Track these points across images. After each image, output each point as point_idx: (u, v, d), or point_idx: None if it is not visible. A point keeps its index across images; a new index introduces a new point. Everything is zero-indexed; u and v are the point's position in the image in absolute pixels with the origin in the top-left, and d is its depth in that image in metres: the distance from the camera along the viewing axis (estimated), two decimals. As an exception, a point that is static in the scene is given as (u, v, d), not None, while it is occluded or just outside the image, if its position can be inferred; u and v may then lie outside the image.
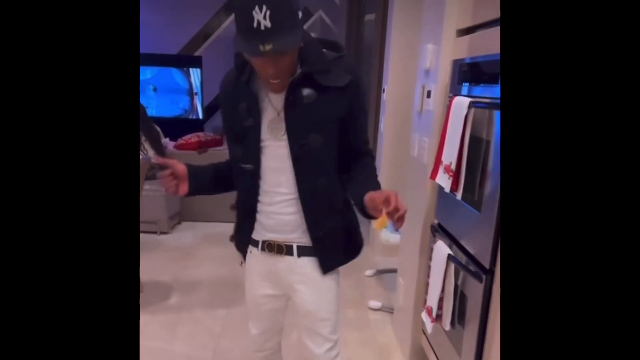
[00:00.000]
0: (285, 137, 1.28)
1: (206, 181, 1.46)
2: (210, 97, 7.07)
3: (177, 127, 5.71)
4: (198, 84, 6.74)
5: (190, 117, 6.71)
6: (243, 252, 1.50)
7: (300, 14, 1.16)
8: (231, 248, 1.56)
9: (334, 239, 1.39)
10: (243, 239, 1.47)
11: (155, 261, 3.62)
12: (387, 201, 1.15)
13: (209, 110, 6.86)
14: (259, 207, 1.38)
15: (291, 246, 1.38)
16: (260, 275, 1.46)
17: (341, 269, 1.46)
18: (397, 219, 1.15)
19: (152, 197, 4.03)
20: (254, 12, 1.06)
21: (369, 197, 1.23)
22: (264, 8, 1.06)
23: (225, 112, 1.40)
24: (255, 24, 1.07)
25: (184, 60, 6.84)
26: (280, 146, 1.29)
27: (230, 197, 1.48)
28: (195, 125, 6.37)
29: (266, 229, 1.39)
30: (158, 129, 4.38)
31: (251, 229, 1.42)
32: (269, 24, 1.07)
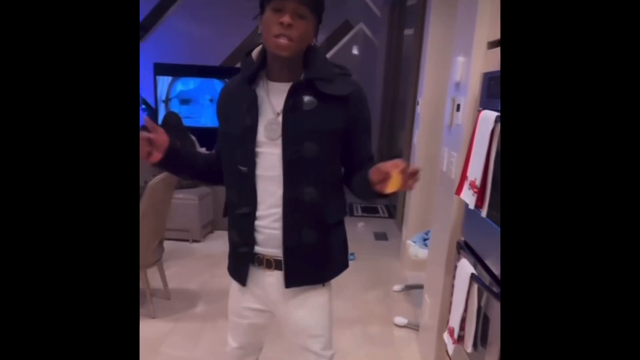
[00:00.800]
0: (280, 141, 1.27)
1: (185, 164, 1.42)
2: (250, 108, 7.17)
3: (215, 136, 5.80)
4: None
5: (229, 127, 6.81)
6: (244, 267, 1.40)
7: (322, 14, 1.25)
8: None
9: (306, 255, 1.34)
10: (244, 252, 1.37)
11: (185, 269, 3.66)
12: (394, 165, 1.12)
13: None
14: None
15: (280, 261, 1.35)
16: (248, 288, 1.43)
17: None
18: (410, 175, 1.12)
19: (185, 205, 4.09)
20: None
21: (373, 169, 1.18)
22: None
23: (224, 114, 1.38)
24: None
25: (226, 72, 6.96)
26: (274, 153, 1.28)
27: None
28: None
29: (257, 242, 1.35)
30: (193, 138, 4.45)
31: (245, 240, 1.35)
32: None
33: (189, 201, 4.12)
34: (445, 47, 3.23)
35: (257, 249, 1.36)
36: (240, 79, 1.34)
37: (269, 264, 1.36)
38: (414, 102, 4.04)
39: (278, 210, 1.31)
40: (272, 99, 1.29)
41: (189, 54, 6.92)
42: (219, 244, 4.30)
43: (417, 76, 3.99)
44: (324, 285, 1.41)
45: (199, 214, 4.21)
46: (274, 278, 1.37)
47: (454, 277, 1.95)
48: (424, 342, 2.57)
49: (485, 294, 1.68)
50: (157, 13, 7.05)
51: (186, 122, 4.75)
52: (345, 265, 1.46)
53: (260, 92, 1.31)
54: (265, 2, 1.21)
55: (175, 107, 6.77)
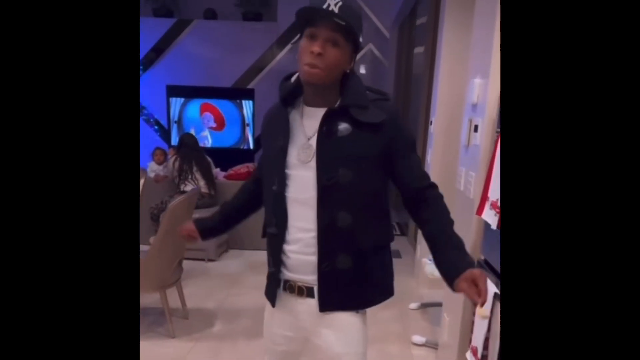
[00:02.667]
0: (312, 164, 1.27)
1: (218, 227, 1.61)
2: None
3: (229, 157, 5.89)
4: (250, 115, 6.93)
5: (241, 147, 6.89)
6: (274, 288, 1.40)
7: (361, 38, 1.27)
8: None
9: (341, 281, 1.31)
10: (275, 273, 1.39)
11: (202, 288, 3.69)
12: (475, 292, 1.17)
13: (260, 141, 7.04)
14: (282, 244, 1.34)
15: (312, 288, 1.33)
16: (279, 314, 1.41)
17: (384, 301, 1.40)
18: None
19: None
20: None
21: (460, 286, 1.21)
22: (339, 0, 1.18)
23: (263, 138, 1.44)
24: (325, 5, 1.18)
25: (237, 93, 7.06)
26: (306, 176, 1.28)
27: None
28: (247, 155, 6.54)
29: (287, 267, 1.35)
30: (209, 159, 4.52)
31: (274, 260, 1.37)
32: (336, 10, 1.18)
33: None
34: (459, 66, 3.26)
35: (289, 274, 1.35)
36: (278, 104, 1.37)
37: (301, 291, 1.34)
38: (426, 121, 4.09)
39: (309, 235, 1.30)
40: (305, 123, 1.31)
41: (201, 76, 7.03)
42: (234, 263, 4.33)
43: (429, 94, 4.03)
44: (357, 312, 1.37)
45: (215, 233, 4.25)
46: (305, 306, 1.35)
47: (475, 296, 1.97)
48: (443, 361, 2.57)
49: (508, 313, 1.69)
50: (170, 37, 7.19)
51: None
52: (389, 293, 1.43)
53: (295, 115, 1.34)
54: (304, 27, 1.24)
55: (188, 127, 6.86)
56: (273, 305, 1.41)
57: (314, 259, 1.30)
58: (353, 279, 1.32)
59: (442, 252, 1.29)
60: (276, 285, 1.38)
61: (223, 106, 6.92)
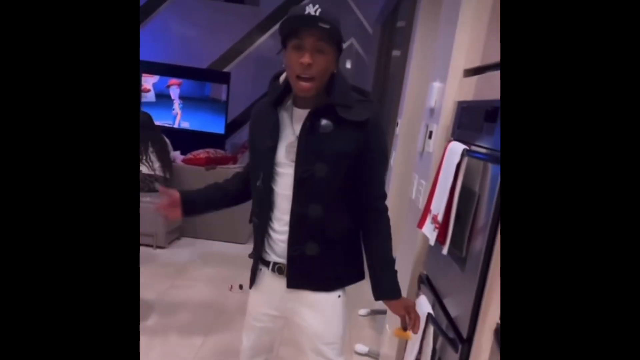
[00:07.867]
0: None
1: (202, 205, 1.56)
2: (235, 113, 7.03)
3: (198, 140, 5.65)
4: (224, 99, 6.73)
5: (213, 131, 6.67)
6: (253, 271, 1.53)
7: (342, 44, 1.31)
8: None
9: (308, 264, 1.41)
10: (255, 258, 1.52)
11: (144, 277, 3.49)
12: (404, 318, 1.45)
13: (232, 126, 6.85)
14: (270, 232, 1.44)
15: None
16: (265, 294, 1.52)
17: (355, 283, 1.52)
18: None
19: (151, 209, 3.94)
20: (307, 7, 1.20)
21: (399, 311, 1.48)
22: (317, 6, 1.21)
23: (251, 135, 1.48)
24: (305, 13, 1.21)
25: (212, 75, 6.84)
26: (290, 173, 1.35)
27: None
28: (217, 140, 6.30)
29: (276, 253, 1.45)
30: (166, 140, 4.31)
31: (262, 249, 1.47)
32: (317, 14, 1.20)
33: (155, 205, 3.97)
34: (426, 70, 3.14)
35: (277, 259, 1.45)
36: (267, 101, 1.42)
37: (280, 270, 1.45)
38: (394, 124, 3.97)
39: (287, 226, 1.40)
40: (294, 124, 1.37)
41: (176, 54, 6.79)
42: (184, 252, 4.14)
43: (399, 98, 3.92)
44: (335, 293, 1.48)
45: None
46: (284, 283, 1.44)
47: (411, 314, 1.85)
48: (380, 374, 2.46)
49: (440, 338, 1.57)
50: (147, 10, 6.93)
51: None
52: (359, 276, 1.53)
53: (285, 115, 1.40)
54: (287, 39, 1.27)
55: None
56: (250, 285, 1.55)
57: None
58: (320, 264, 1.42)
59: (379, 276, 1.47)
60: (256, 267, 1.52)
61: (197, 87, 6.69)
